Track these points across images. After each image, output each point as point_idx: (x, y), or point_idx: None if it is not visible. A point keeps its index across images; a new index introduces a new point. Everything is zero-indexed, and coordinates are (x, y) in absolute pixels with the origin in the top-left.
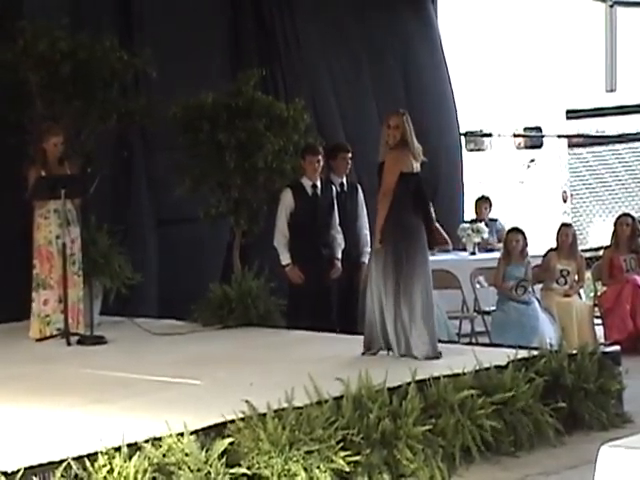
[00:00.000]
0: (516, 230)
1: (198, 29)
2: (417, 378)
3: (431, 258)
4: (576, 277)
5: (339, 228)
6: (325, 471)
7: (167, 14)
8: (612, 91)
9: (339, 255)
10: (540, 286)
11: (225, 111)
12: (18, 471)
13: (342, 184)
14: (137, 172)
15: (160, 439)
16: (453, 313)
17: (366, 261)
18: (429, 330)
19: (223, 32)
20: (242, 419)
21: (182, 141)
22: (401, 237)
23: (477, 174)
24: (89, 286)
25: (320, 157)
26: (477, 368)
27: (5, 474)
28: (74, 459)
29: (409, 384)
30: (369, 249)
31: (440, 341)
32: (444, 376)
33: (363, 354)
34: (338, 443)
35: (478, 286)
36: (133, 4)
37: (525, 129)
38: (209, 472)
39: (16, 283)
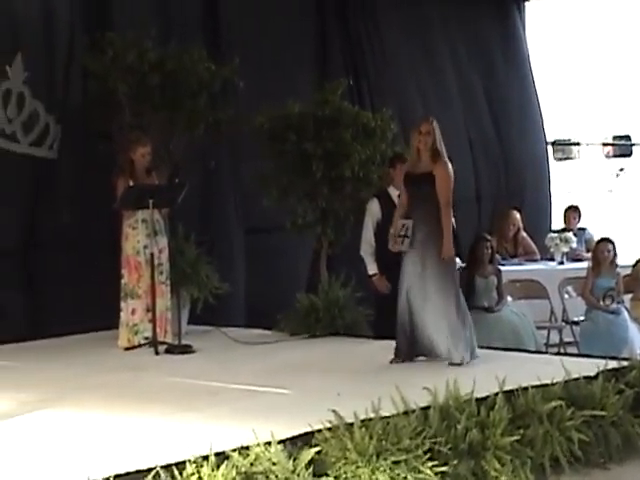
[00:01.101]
0: (606, 240)
1: (285, 39)
2: (505, 388)
3: (519, 268)
4: None
5: None
6: None
7: (254, 24)
8: None
9: None
10: (630, 296)
11: (312, 121)
12: (108, 479)
13: None
14: (224, 182)
15: (248, 448)
16: (541, 323)
17: None
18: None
19: (309, 42)
20: (329, 429)
21: (269, 151)
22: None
23: (566, 183)
24: (177, 295)
25: None
26: (566, 379)
27: None
28: (162, 467)
29: (497, 394)
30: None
31: (528, 351)
32: (532, 386)
33: (391, 362)
34: (425, 453)
35: (566, 296)
36: (221, 15)
37: (614, 137)
38: None
39: (105, 293)
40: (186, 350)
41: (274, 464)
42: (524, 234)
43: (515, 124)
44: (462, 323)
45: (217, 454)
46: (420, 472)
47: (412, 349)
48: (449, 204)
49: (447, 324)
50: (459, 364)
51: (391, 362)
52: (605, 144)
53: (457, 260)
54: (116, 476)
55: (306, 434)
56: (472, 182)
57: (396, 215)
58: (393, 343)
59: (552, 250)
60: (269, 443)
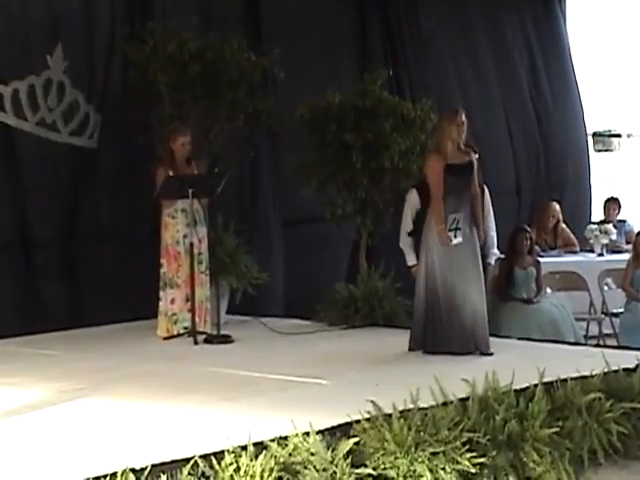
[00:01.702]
0: None
1: (325, 29)
2: (544, 380)
3: (559, 259)
4: None
5: None
6: (450, 472)
7: (294, 14)
8: None
9: None
10: None
11: (352, 111)
12: (146, 468)
13: None
14: (264, 172)
15: (286, 438)
16: (580, 315)
17: (492, 262)
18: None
19: (349, 32)
20: (368, 419)
21: (309, 141)
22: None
23: (606, 175)
24: (216, 285)
25: None
26: (605, 371)
27: (134, 471)
28: (201, 457)
29: (536, 386)
30: (496, 250)
31: (567, 343)
32: (571, 378)
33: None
34: (464, 445)
35: (606, 288)
36: (261, 4)
37: None
38: (334, 472)
39: (144, 282)
40: (225, 340)
41: (312, 454)
42: (564, 226)
43: (556, 115)
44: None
45: (255, 444)
46: (458, 463)
47: (450, 344)
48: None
49: (485, 318)
50: (491, 354)
51: (426, 352)
52: None
53: (496, 251)
54: (154, 465)
55: (344, 425)
56: (512, 174)
57: (437, 209)
58: None
59: (592, 242)
60: (307, 433)
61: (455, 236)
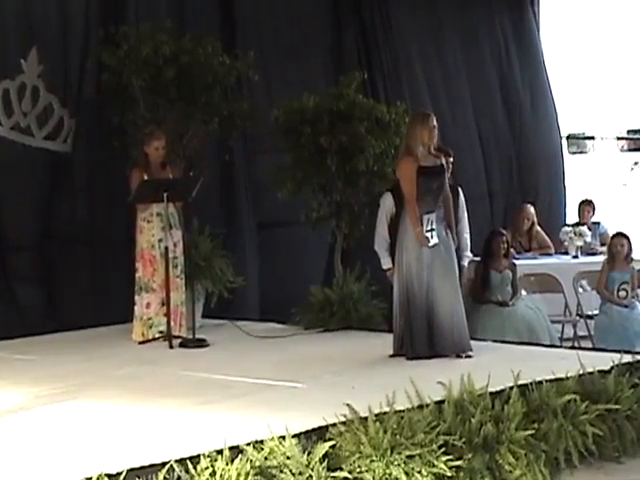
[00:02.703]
0: (621, 235)
1: (299, 32)
2: (519, 382)
3: (534, 262)
4: None
5: None
6: (427, 475)
7: (269, 17)
8: None
9: None
10: None
11: (327, 114)
12: (121, 473)
13: None
14: (238, 175)
15: (262, 442)
16: (555, 317)
17: (465, 264)
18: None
19: (324, 35)
20: (343, 422)
21: (284, 144)
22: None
23: (580, 177)
24: (191, 289)
25: None
26: (580, 373)
27: (109, 476)
28: (177, 461)
29: (511, 388)
30: (469, 252)
31: (542, 345)
32: (547, 380)
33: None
34: (440, 447)
35: (581, 290)
36: (236, 7)
37: (629, 132)
38: (310, 476)
39: (119, 286)
40: (200, 344)
41: (288, 458)
42: (538, 228)
43: (529, 118)
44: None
45: (231, 448)
46: (434, 466)
47: (432, 346)
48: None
49: (463, 317)
50: (471, 356)
51: (408, 358)
52: (619, 138)
53: (470, 254)
54: (130, 470)
55: (320, 428)
56: (483, 178)
57: (412, 211)
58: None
59: (566, 244)
60: (283, 437)
61: (432, 237)
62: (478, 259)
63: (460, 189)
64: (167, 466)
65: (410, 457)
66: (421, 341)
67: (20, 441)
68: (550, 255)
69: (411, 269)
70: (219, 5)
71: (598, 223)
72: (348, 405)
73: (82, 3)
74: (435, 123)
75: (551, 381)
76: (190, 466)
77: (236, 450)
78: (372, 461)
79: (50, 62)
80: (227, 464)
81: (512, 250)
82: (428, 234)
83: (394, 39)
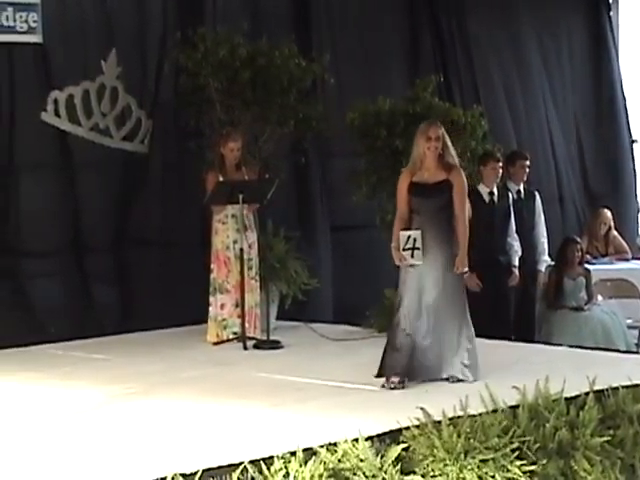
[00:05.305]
0: None
1: (375, 35)
2: (595, 388)
3: (610, 267)
4: None
5: (516, 235)
6: None
7: (345, 19)
8: None
9: (516, 262)
10: None
11: (402, 117)
12: (196, 473)
13: (519, 191)
14: (313, 178)
15: (335, 444)
16: (632, 322)
17: (542, 269)
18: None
19: (400, 38)
20: (417, 426)
21: (359, 147)
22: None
23: None
24: (266, 291)
25: (500, 164)
26: None
27: (184, 475)
28: (250, 462)
29: (587, 394)
30: (547, 257)
31: (618, 351)
32: (623, 387)
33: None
34: (513, 452)
35: None
36: (312, 10)
37: None
38: (384, 478)
39: (195, 287)
40: (274, 346)
41: (361, 461)
42: (615, 233)
43: (599, 122)
44: (473, 338)
45: (305, 450)
46: (508, 471)
47: (411, 369)
48: (466, 214)
49: (463, 340)
50: (472, 381)
51: (390, 386)
52: None
53: (547, 258)
54: (204, 470)
55: (394, 431)
56: (554, 182)
57: (397, 228)
58: (483, 340)
59: None
60: (357, 440)
61: (412, 256)
62: (553, 263)
63: (537, 193)
64: (241, 467)
65: (483, 461)
66: (400, 364)
67: (96, 440)
68: (627, 260)
69: (403, 287)
70: (295, 7)
71: None
72: (422, 409)
73: (160, 6)
74: (439, 134)
75: (627, 387)
76: (264, 467)
77: (309, 452)
78: (445, 465)
79: (128, 64)
80: (300, 466)
81: (588, 255)
82: (407, 253)
83: (469, 41)
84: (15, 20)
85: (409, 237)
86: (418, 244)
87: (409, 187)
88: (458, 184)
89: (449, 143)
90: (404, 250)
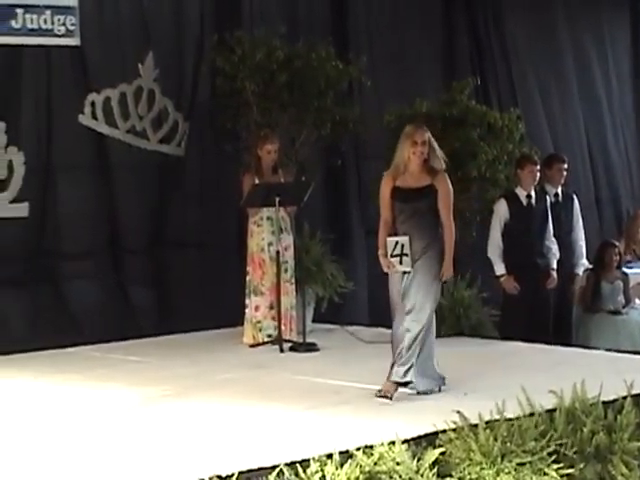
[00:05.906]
0: None
1: (412, 37)
2: (633, 392)
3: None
4: None
5: (553, 239)
6: None
7: (382, 23)
8: None
9: (554, 265)
10: None
11: (439, 120)
12: (232, 475)
13: (557, 194)
14: (349, 180)
15: (372, 447)
16: None
17: (580, 272)
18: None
19: (436, 40)
20: (454, 429)
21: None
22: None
23: None
24: (302, 293)
25: (537, 167)
26: None
27: (220, 477)
28: (287, 465)
29: (625, 398)
30: (585, 260)
31: None
32: None
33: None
34: (550, 456)
35: None
36: (349, 13)
37: None
38: None
39: (230, 289)
40: (311, 348)
41: (398, 464)
42: None
43: (634, 126)
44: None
45: (341, 453)
46: (545, 474)
47: None
48: (452, 219)
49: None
50: (427, 393)
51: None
52: None
53: (585, 262)
54: (241, 472)
55: (430, 434)
56: (591, 185)
57: (382, 234)
58: (519, 344)
59: None
60: (393, 443)
61: (400, 262)
62: (591, 267)
63: (575, 197)
64: (277, 469)
65: (521, 465)
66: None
67: (131, 442)
68: None
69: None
70: (332, 10)
71: None
72: (458, 412)
73: (197, 9)
74: (425, 138)
75: None
76: (300, 470)
77: (346, 455)
78: (482, 468)
79: (165, 66)
80: (337, 469)
81: (627, 257)
82: (395, 259)
83: (506, 45)
84: (53, 23)
85: (397, 243)
86: (406, 250)
87: (392, 192)
88: (443, 189)
89: (436, 147)
90: (392, 257)
